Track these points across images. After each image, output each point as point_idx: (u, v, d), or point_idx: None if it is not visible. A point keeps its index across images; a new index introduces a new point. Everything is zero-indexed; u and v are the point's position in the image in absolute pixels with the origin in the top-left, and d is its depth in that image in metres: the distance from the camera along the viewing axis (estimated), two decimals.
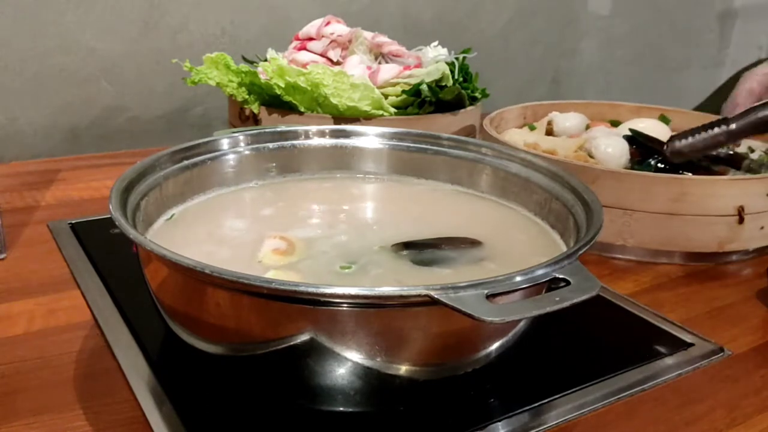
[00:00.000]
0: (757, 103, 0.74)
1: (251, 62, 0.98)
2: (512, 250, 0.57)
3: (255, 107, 0.89)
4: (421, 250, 0.55)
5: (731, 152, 0.83)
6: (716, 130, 0.74)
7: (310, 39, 0.99)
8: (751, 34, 1.88)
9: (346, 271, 0.52)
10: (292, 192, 0.66)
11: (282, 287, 0.40)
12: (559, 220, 0.58)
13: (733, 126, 0.73)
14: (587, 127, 0.94)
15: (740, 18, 1.85)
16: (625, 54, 1.69)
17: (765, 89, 1.01)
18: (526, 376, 0.52)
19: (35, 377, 0.50)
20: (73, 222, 0.75)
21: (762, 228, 0.73)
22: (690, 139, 0.75)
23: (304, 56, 0.96)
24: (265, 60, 0.96)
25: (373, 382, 0.44)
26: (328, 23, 0.98)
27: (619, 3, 1.62)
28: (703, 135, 0.75)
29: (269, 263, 0.52)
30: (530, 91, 1.56)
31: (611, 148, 0.80)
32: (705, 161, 0.82)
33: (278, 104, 0.88)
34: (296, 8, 1.20)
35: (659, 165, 0.79)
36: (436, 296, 0.38)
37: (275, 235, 0.55)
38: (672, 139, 0.78)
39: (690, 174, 0.77)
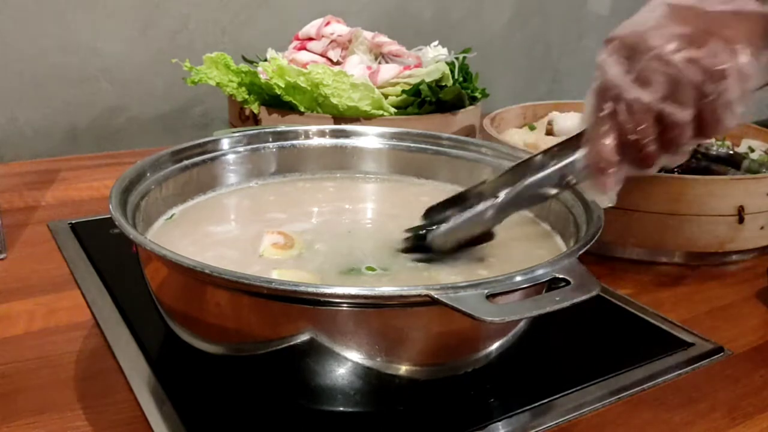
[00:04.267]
0: (527, 156, 0.52)
1: (251, 62, 0.98)
2: (512, 249, 0.57)
3: (255, 107, 0.89)
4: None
5: (731, 152, 0.83)
6: (480, 207, 0.52)
7: (310, 39, 0.99)
8: None
9: (370, 273, 0.52)
10: (291, 192, 0.66)
11: (282, 287, 0.40)
12: (559, 220, 0.58)
13: (501, 198, 0.51)
14: None
15: None
16: None
17: None
18: (526, 376, 0.52)
19: (35, 377, 0.50)
20: (73, 222, 0.75)
21: (762, 228, 0.73)
22: (449, 225, 0.53)
23: (304, 56, 0.96)
24: (265, 60, 0.96)
25: (373, 382, 0.44)
26: (328, 23, 0.98)
27: (619, 3, 1.62)
28: (465, 216, 0.53)
29: (270, 257, 0.53)
30: (530, 91, 1.56)
31: None
32: (705, 161, 0.81)
33: (278, 104, 0.88)
34: (296, 8, 1.20)
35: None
36: (436, 296, 0.38)
37: (273, 230, 0.56)
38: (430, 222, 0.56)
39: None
